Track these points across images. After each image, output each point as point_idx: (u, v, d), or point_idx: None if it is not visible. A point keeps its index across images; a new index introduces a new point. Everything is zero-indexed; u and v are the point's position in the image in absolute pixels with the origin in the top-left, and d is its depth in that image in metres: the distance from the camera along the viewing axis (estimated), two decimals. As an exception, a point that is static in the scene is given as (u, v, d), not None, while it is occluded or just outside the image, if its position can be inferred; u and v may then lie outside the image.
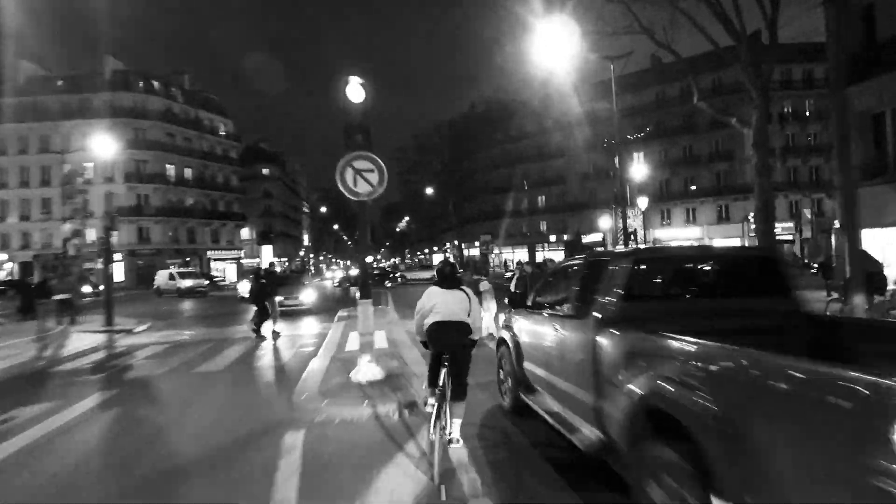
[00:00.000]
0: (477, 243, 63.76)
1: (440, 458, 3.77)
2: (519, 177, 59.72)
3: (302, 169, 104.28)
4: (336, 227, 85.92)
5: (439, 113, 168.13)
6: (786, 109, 45.52)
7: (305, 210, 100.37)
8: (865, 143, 15.57)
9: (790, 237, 45.09)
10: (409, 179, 58.08)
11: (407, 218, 73.30)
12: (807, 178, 45.67)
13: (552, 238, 56.72)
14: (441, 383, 4.16)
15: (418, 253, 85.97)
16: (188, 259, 52.24)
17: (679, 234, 47.92)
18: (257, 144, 77.74)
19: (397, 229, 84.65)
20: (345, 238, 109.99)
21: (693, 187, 48.09)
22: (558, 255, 58.00)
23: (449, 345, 4.33)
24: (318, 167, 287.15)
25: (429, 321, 4.40)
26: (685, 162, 47.95)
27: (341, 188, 6.60)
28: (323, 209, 79.58)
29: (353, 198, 6.66)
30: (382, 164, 6.74)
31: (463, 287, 4.55)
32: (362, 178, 6.62)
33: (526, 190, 58.37)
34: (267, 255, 60.99)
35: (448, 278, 4.54)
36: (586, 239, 54.38)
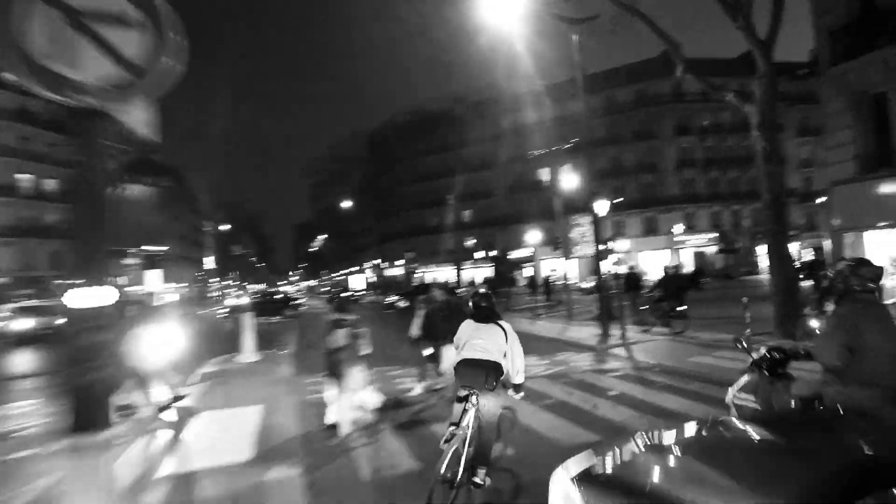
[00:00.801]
0: (400, 262, 59.33)
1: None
2: (443, 190, 56.27)
3: (204, 184, 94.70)
4: (239, 246, 77.60)
5: (359, 124, 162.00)
6: (704, 122, 45.85)
7: (208, 230, 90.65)
8: (865, 128, 13.17)
9: (714, 246, 45.04)
10: (324, 194, 52.67)
11: (323, 236, 67.22)
12: (727, 189, 46.09)
13: (479, 255, 53.59)
14: (466, 424, 3.67)
15: (334, 275, 79.67)
16: (47, 288, 43.02)
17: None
18: (146, 155, 68.44)
19: (311, 249, 77.91)
20: (253, 260, 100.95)
21: (620, 199, 47.07)
22: (483, 274, 55.02)
23: (473, 384, 3.78)
24: (223, 181, 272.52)
25: (457, 358, 4.03)
26: (611, 173, 46.89)
27: (5, 68, 2.04)
28: (223, 227, 71.51)
29: (52, 97, 2.11)
30: (165, 7, 2.28)
31: (500, 322, 4.07)
32: (89, 39, 2.13)
33: (451, 204, 54.99)
34: (154, 283, 52.36)
35: (482, 311, 4.10)
36: (515, 255, 51.82)
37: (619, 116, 46.75)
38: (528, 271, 51.18)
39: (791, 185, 47.27)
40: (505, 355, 3.91)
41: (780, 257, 11.19)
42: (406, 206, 57.97)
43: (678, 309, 12.98)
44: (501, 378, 3.91)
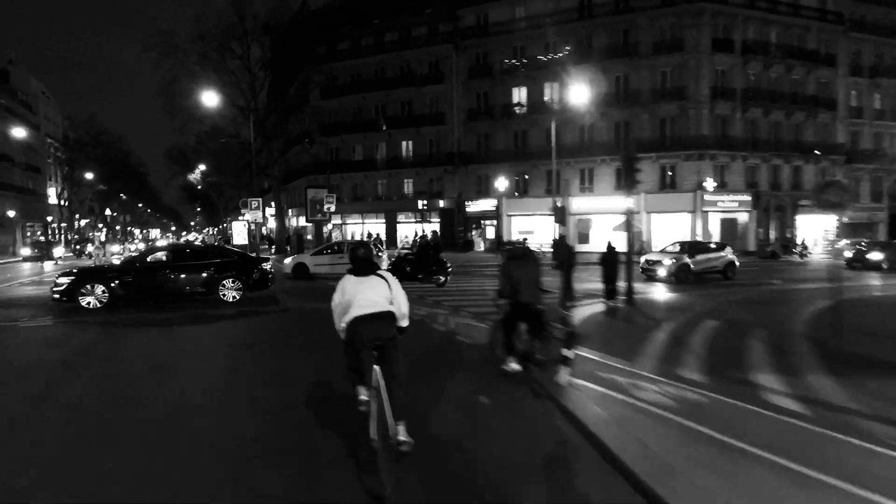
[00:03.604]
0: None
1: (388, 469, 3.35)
2: (373, 109, 39.91)
3: (46, 92, 70.44)
4: (90, 176, 56.17)
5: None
6: (748, 37, 32.73)
7: (56, 152, 67.42)
8: None
9: (745, 213, 33.04)
10: (190, 94, 33.83)
11: (202, 167, 48.59)
12: (770, 135, 33.79)
13: (421, 203, 38.46)
14: (374, 382, 3.64)
15: (231, 220, 61.10)
16: None
17: (605, 205, 33.21)
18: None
19: (196, 185, 58.35)
20: (122, 196, 78.91)
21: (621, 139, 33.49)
22: (430, 229, 40.14)
23: (375, 338, 3.75)
24: (80, 90, 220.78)
25: (349, 317, 3.79)
26: (618, 100, 33.05)
27: None
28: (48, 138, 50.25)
29: None
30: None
31: (380, 272, 3.96)
32: None
33: (384, 130, 38.96)
34: None
35: (362, 263, 3.94)
36: (474, 207, 37.20)
37: (635, 17, 32.49)
38: (489, 231, 36.93)
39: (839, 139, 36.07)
40: (391, 303, 3.85)
41: None
42: (320, 128, 41.09)
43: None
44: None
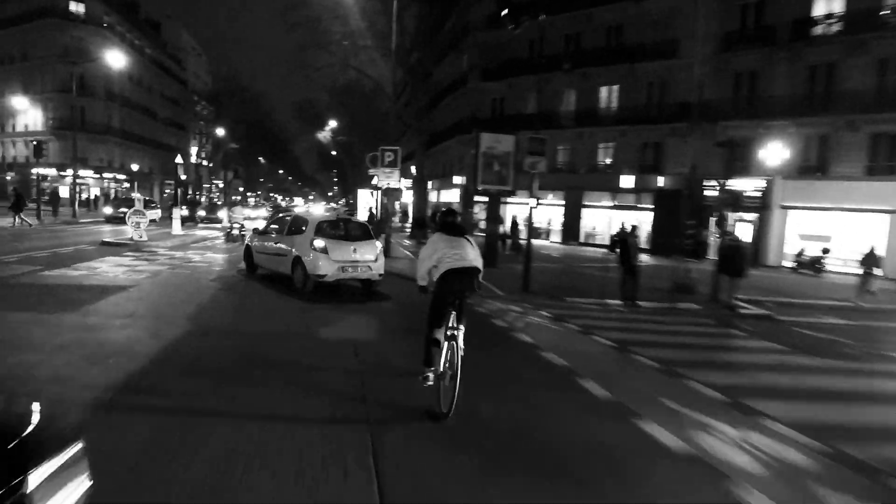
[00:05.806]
0: (458, 180, 32.51)
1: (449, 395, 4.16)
2: (561, 40, 27.65)
3: (197, 48, 68.72)
4: (221, 132, 51.75)
5: None
6: None
7: (203, 111, 65.59)
8: None
9: None
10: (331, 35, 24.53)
11: (333, 123, 40.52)
12: None
13: (626, 181, 25.70)
14: (450, 324, 4.31)
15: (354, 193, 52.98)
16: None
17: None
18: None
19: (327, 146, 51.27)
20: (261, 160, 76.21)
21: None
22: (634, 219, 27.36)
23: (464, 289, 4.41)
24: (227, 45, 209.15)
25: (441, 270, 4.37)
26: None
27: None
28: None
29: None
30: None
31: (465, 236, 4.56)
32: None
33: (571, 70, 26.49)
34: None
35: (452, 227, 4.57)
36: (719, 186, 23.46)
37: None
38: (744, 229, 23.13)
39: None
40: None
41: None
42: (481, 73, 29.94)
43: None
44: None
